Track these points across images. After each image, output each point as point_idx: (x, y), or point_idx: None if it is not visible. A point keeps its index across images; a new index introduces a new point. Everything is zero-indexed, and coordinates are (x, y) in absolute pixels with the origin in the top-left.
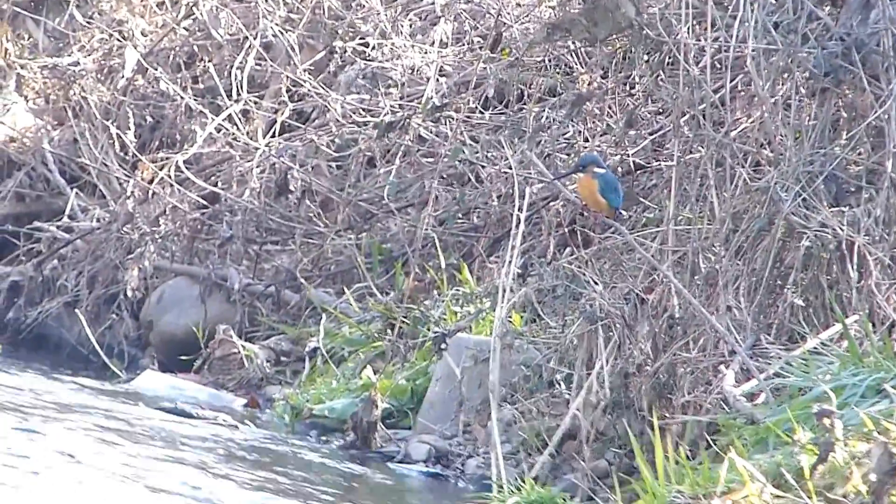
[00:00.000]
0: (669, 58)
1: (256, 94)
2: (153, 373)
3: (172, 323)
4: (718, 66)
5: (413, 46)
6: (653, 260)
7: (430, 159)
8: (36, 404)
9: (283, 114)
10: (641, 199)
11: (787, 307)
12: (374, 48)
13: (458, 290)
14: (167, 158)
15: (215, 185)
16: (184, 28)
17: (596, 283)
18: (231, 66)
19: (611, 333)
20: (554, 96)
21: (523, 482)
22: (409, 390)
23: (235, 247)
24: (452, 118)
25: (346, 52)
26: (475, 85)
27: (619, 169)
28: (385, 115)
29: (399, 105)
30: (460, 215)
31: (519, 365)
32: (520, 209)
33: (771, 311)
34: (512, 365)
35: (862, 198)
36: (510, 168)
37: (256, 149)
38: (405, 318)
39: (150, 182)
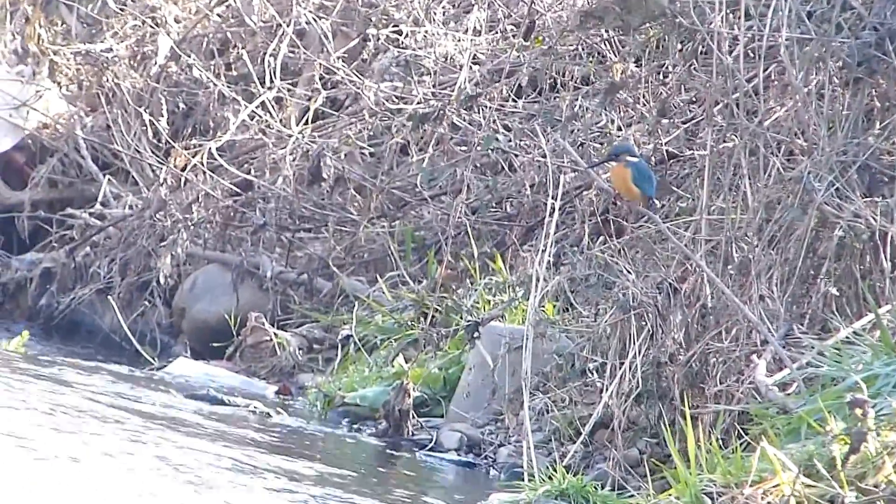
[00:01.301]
0: (703, 46)
1: (290, 81)
2: (185, 360)
3: (205, 310)
4: (752, 55)
5: (446, 34)
6: (686, 249)
7: (464, 147)
8: (68, 391)
9: (316, 101)
10: (674, 189)
11: (820, 297)
12: (407, 36)
13: (491, 278)
14: (200, 145)
15: (248, 172)
16: (217, 15)
17: (629, 273)
18: (264, 53)
19: (643, 322)
20: (587, 85)
21: (555, 471)
22: (441, 379)
23: (268, 234)
24: (486, 106)
25: (379, 39)
26: (508, 73)
27: (653, 158)
28: (418, 103)
29: (432, 93)
30: (493, 204)
31: (551, 354)
32: (553, 198)
33: (804, 300)
34: (544, 354)
35: (895, 188)
36: (543, 157)
37: (290, 136)
38: (438, 306)
39: (183, 169)
